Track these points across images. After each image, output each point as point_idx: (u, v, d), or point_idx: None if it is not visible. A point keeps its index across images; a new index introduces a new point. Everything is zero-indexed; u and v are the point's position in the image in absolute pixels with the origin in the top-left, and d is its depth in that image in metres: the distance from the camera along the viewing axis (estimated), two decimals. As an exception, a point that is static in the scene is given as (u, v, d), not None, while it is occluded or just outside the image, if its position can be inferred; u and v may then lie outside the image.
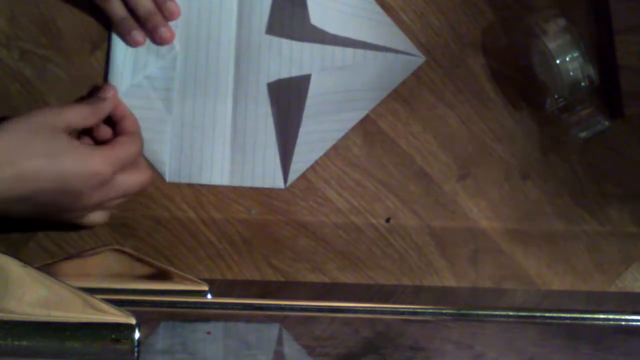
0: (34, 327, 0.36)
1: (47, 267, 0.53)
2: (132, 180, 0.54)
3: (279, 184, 0.58)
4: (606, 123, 0.56)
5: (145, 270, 0.54)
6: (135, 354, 0.36)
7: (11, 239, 0.57)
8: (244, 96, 0.58)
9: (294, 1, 0.58)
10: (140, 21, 0.57)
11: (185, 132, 0.58)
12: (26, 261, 0.39)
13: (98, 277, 0.54)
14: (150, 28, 0.57)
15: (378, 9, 0.59)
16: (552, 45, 0.55)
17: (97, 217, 0.55)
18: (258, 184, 0.58)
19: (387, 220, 0.59)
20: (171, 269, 0.54)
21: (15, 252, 0.57)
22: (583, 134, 0.57)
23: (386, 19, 0.59)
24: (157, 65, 0.58)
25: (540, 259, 0.59)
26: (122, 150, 0.53)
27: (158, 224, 0.58)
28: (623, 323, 0.51)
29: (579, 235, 0.59)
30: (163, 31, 0.57)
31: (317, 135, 0.58)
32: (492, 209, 0.59)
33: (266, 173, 0.58)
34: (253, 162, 0.58)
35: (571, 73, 0.55)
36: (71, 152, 0.51)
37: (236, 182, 0.58)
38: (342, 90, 0.58)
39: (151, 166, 0.58)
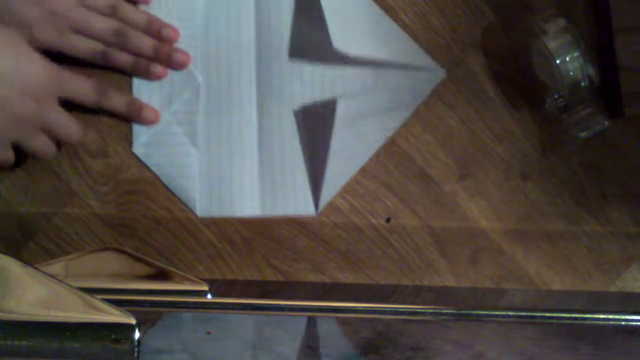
0: (34, 327, 0.36)
1: (47, 267, 0.53)
2: (65, 116, 0.54)
3: (310, 211, 0.58)
4: (606, 123, 0.56)
5: (145, 270, 0.54)
6: (135, 354, 0.36)
7: (11, 239, 0.57)
8: (268, 124, 0.58)
9: (314, 25, 0.57)
10: (152, 59, 0.57)
11: (213, 165, 0.58)
12: (26, 261, 0.39)
13: (98, 277, 0.54)
14: (164, 60, 0.57)
15: (395, 25, 0.58)
16: (552, 45, 0.55)
17: (39, 142, 0.54)
18: (290, 212, 0.58)
19: (387, 220, 0.59)
20: (171, 269, 0.54)
21: (15, 252, 0.57)
22: (583, 134, 0.57)
23: (404, 35, 0.58)
24: (180, 100, 0.57)
25: (540, 259, 0.59)
26: (73, 79, 0.54)
27: (158, 224, 0.58)
28: (623, 323, 0.51)
29: (579, 235, 0.59)
30: (177, 56, 0.57)
31: (346, 159, 0.57)
32: (492, 209, 0.59)
33: (297, 201, 0.58)
34: (283, 190, 0.58)
35: (571, 73, 0.55)
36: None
37: (267, 212, 0.58)
38: (367, 112, 0.57)
39: (181, 202, 0.58)
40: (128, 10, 0.56)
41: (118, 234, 0.58)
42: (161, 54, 0.57)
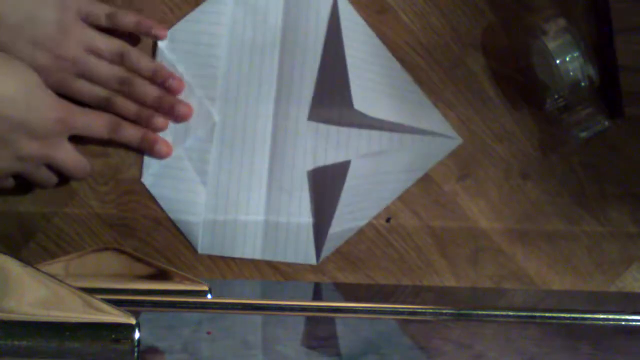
0: (34, 327, 0.36)
1: (47, 267, 0.53)
2: (72, 155, 0.54)
3: (312, 260, 0.58)
4: (606, 123, 0.56)
5: (145, 270, 0.54)
6: (135, 354, 0.36)
7: (11, 239, 0.57)
8: (279, 174, 0.58)
9: (337, 83, 0.57)
10: (155, 109, 0.57)
11: (219, 205, 0.57)
12: (26, 261, 0.39)
13: (98, 277, 0.54)
14: (167, 110, 0.57)
15: (418, 91, 0.58)
16: (552, 45, 0.55)
17: (40, 174, 0.54)
18: (290, 259, 0.58)
19: (387, 220, 0.59)
20: (171, 269, 0.54)
21: (15, 252, 0.57)
22: (583, 134, 0.57)
23: (426, 101, 0.58)
24: (195, 136, 0.57)
25: (540, 259, 0.59)
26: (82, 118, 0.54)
27: (158, 224, 0.58)
28: (623, 323, 0.51)
29: (579, 235, 0.59)
30: (180, 108, 0.57)
31: (352, 215, 0.57)
32: (492, 209, 0.59)
33: (298, 250, 0.58)
34: (286, 239, 0.58)
35: (571, 73, 0.55)
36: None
37: (268, 257, 0.58)
38: (380, 173, 0.57)
39: (183, 237, 0.58)
40: (135, 57, 0.56)
41: (118, 234, 0.58)
42: (164, 105, 0.56)
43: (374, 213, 0.58)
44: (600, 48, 0.58)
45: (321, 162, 0.58)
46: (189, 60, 0.57)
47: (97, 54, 0.55)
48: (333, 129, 0.58)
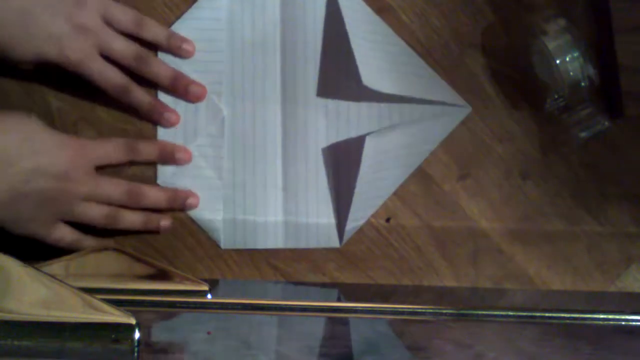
0: (34, 327, 0.36)
1: (47, 267, 0.53)
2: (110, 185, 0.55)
3: (335, 243, 0.58)
4: (606, 123, 0.56)
5: (145, 270, 0.54)
6: (135, 354, 0.36)
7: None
8: (294, 159, 0.58)
9: (342, 62, 0.57)
10: (169, 90, 0.57)
11: (237, 198, 0.58)
12: (26, 261, 0.39)
13: (98, 277, 0.54)
14: (181, 90, 0.57)
15: (422, 62, 0.58)
16: (552, 45, 0.55)
17: (65, 232, 0.55)
18: (312, 245, 0.58)
19: (387, 220, 0.59)
20: (171, 269, 0.54)
21: (15, 252, 0.57)
22: (583, 134, 0.57)
23: (430, 72, 0.58)
24: (206, 133, 0.57)
25: (540, 259, 0.59)
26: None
27: (158, 224, 0.58)
28: (623, 323, 0.51)
29: (579, 235, 0.59)
30: (194, 89, 0.57)
31: (372, 192, 0.57)
32: (492, 209, 0.59)
33: (320, 234, 0.58)
34: (307, 225, 0.58)
35: (571, 73, 0.55)
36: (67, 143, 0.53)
37: (290, 245, 0.58)
38: (394, 148, 0.57)
39: (204, 233, 0.58)
40: (152, 25, 0.56)
41: (118, 234, 0.58)
42: (179, 85, 0.57)
43: (393, 189, 0.58)
44: (600, 48, 0.58)
45: (335, 141, 0.58)
46: (192, 58, 0.58)
47: (114, 23, 0.55)
48: (343, 107, 0.58)
